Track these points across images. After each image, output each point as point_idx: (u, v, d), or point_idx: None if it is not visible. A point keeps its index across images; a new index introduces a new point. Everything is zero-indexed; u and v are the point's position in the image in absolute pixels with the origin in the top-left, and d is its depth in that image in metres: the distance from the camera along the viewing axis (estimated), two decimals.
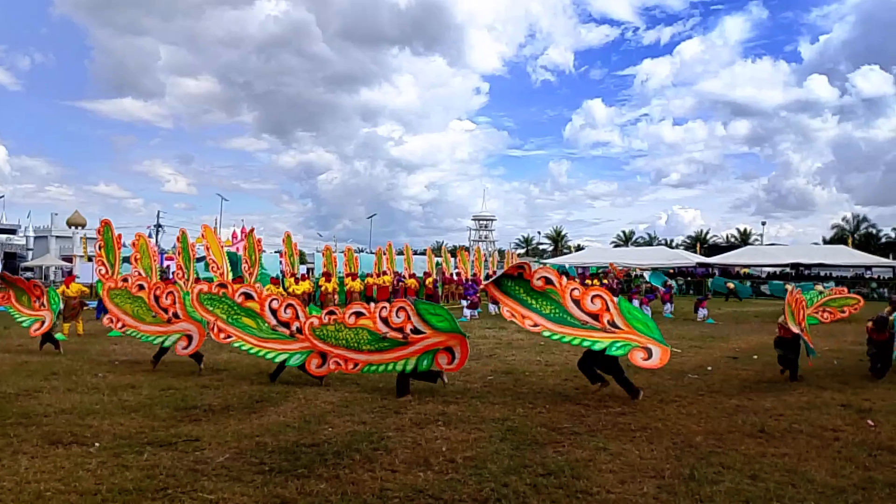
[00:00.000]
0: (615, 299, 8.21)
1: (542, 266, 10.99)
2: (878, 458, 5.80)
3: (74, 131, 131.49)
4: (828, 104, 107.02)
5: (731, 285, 35.76)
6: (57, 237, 56.72)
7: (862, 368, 10.54)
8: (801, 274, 42.82)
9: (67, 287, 15.01)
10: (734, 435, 6.62)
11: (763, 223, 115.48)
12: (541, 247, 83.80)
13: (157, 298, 10.15)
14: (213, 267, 20.79)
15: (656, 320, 20.92)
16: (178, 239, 21.79)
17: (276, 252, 35.79)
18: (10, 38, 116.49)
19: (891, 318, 9.91)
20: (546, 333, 8.14)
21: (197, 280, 17.64)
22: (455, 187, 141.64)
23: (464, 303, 21.76)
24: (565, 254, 61.45)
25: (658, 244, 69.08)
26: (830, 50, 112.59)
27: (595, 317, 8.10)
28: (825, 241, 61.22)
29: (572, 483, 5.06)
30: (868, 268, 44.09)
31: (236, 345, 9.20)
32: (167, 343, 9.97)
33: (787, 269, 44.54)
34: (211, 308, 9.25)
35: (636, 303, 26.88)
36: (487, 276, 33.28)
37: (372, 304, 8.66)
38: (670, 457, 5.81)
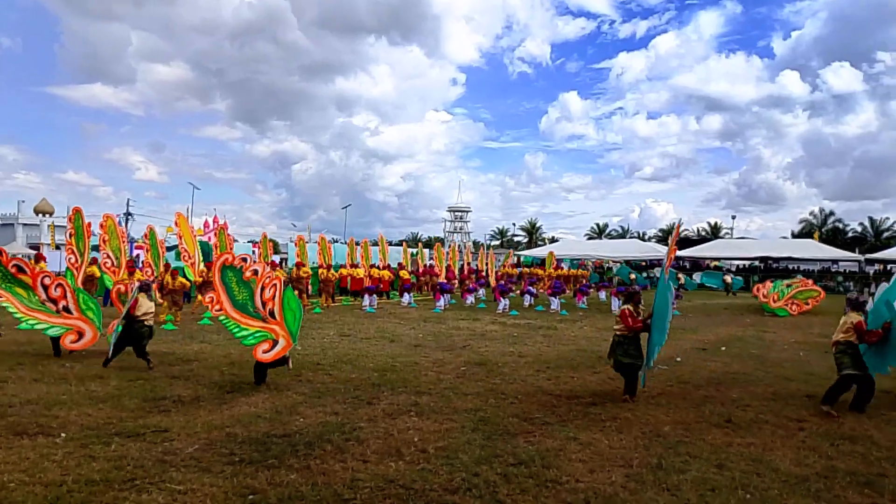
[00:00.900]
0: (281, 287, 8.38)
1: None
2: (840, 448, 5.95)
3: (43, 118, 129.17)
4: (799, 100, 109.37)
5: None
6: (24, 225, 55.60)
7: (828, 360, 10.76)
8: (770, 267, 43.66)
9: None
10: (701, 425, 6.75)
11: (733, 217, 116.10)
12: (515, 238, 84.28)
13: (45, 288, 10.17)
14: (184, 256, 20.52)
15: None
16: (145, 236, 21.44)
17: (248, 241, 35.47)
18: None
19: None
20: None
21: (166, 266, 17.35)
22: (431, 178, 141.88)
23: (441, 301, 21.70)
24: (540, 246, 61.84)
25: (631, 237, 69.91)
26: (802, 46, 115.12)
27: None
28: (793, 235, 62.49)
29: (542, 472, 5.11)
30: (835, 261, 45.14)
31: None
32: (49, 332, 10.03)
33: (756, 263, 45.39)
34: None
35: (603, 295, 27.30)
36: (462, 269, 33.34)
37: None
38: (639, 446, 5.90)
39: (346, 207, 79.03)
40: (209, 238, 24.93)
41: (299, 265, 22.29)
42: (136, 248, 29.16)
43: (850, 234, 61.60)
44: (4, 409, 6.75)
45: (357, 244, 27.66)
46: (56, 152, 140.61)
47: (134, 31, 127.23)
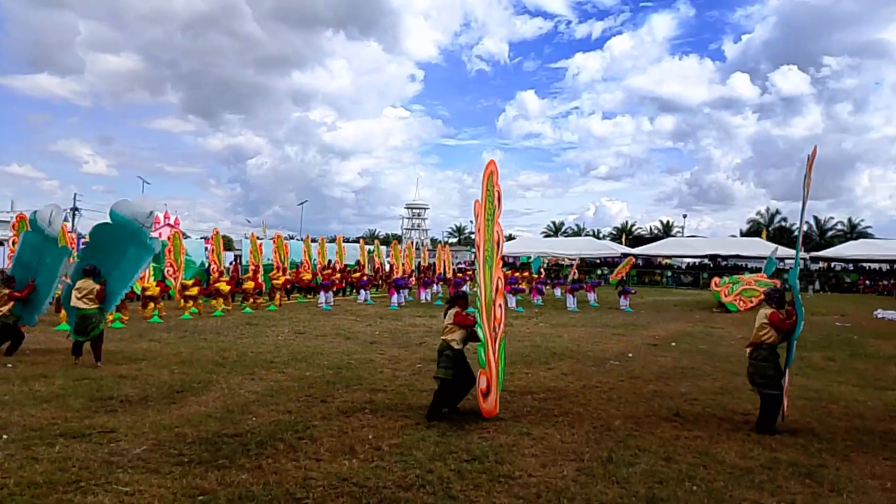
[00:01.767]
0: None
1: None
2: (782, 440, 6.15)
3: None
4: (749, 102, 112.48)
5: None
6: None
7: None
8: (719, 265, 44.86)
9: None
10: (651, 419, 6.90)
11: (684, 216, 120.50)
12: (473, 236, 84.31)
13: None
14: None
15: (582, 309, 21.51)
16: None
17: (201, 238, 34.73)
18: None
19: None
20: None
21: None
22: (388, 175, 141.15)
23: (395, 297, 21.62)
24: None
25: (586, 235, 70.83)
26: (752, 49, 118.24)
27: None
28: (742, 234, 64.29)
29: (496, 468, 5.15)
30: (781, 259, 46.61)
31: None
32: None
33: (706, 261, 46.58)
34: None
35: (558, 292, 27.66)
36: (418, 267, 33.31)
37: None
38: (590, 440, 6.01)
39: (302, 204, 78.32)
40: (160, 234, 24.34)
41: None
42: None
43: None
44: None
45: (314, 241, 27.39)
46: None
47: (82, 20, 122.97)
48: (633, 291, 24.20)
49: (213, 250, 23.42)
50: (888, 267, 41.60)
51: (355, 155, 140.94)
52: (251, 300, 18.98)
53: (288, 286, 21.85)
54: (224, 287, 18.17)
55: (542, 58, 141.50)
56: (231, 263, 26.37)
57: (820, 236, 63.59)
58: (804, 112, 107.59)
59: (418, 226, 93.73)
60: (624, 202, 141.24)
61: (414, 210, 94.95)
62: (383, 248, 34.40)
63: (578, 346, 12.49)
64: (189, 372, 8.82)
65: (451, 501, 4.45)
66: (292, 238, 36.00)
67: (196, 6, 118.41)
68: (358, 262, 29.06)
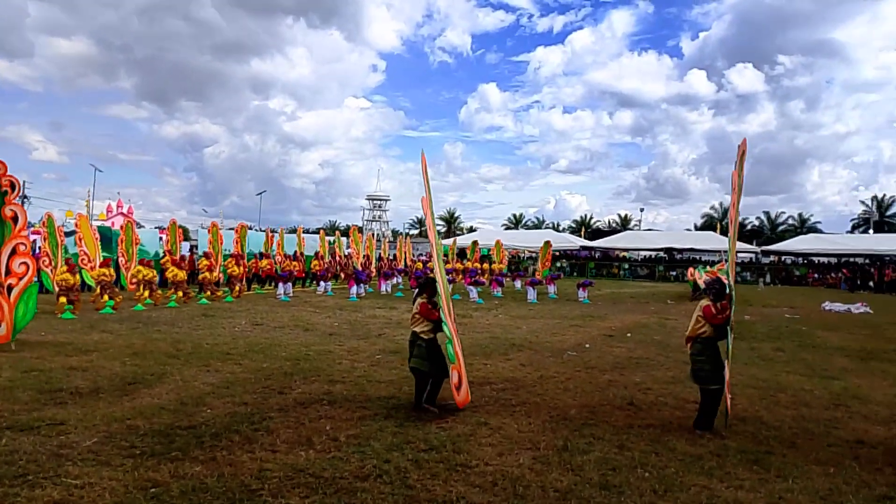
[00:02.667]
0: None
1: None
2: (732, 428, 6.32)
3: None
4: (705, 98, 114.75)
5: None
6: None
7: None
8: (674, 258, 45.83)
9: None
10: (605, 408, 7.04)
11: (642, 209, 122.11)
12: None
13: None
14: (83, 259, 19.52)
15: (541, 301, 21.71)
16: (43, 224, 20.17)
17: (156, 227, 33.97)
18: None
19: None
20: None
21: (67, 261, 16.45)
22: (349, 166, 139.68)
23: (354, 289, 21.51)
24: (458, 235, 62.37)
25: (546, 227, 71.54)
26: (709, 46, 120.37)
27: None
28: (696, 228, 65.80)
29: (453, 457, 5.19)
30: (738, 252, 47.91)
31: None
32: None
33: (662, 253, 47.53)
34: None
35: (518, 284, 27.92)
36: (379, 258, 33.19)
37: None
38: (546, 429, 6.09)
39: (260, 194, 77.23)
40: (112, 223, 23.73)
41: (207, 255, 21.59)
42: (33, 233, 27.38)
43: (748, 227, 65.42)
44: None
45: (273, 232, 27.04)
46: None
47: (31, 2, 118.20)
48: (591, 283, 24.58)
49: (168, 240, 22.95)
50: (836, 261, 43.06)
51: (316, 145, 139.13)
52: (208, 291, 18.66)
53: (244, 277, 21.52)
54: (181, 274, 17.86)
55: (505, 51, 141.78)
56: (188, 253, 25.84)
57: (771, 230, 65.54)
58: (758, 109, 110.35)
59: (379, 217, 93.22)
60: (583, 196, 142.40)
61: (375, 202, 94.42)
62: (343, 239, 34.11)
63: (537, 337, 12.63)
64: (142, 364, 8.64)
65: (407, 491, 4.47)
66: (251, 229, 35.37)
67: None
68: (317, 254, 28.80)
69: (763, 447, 5.77)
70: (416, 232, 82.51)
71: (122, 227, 22.41)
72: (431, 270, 28.70)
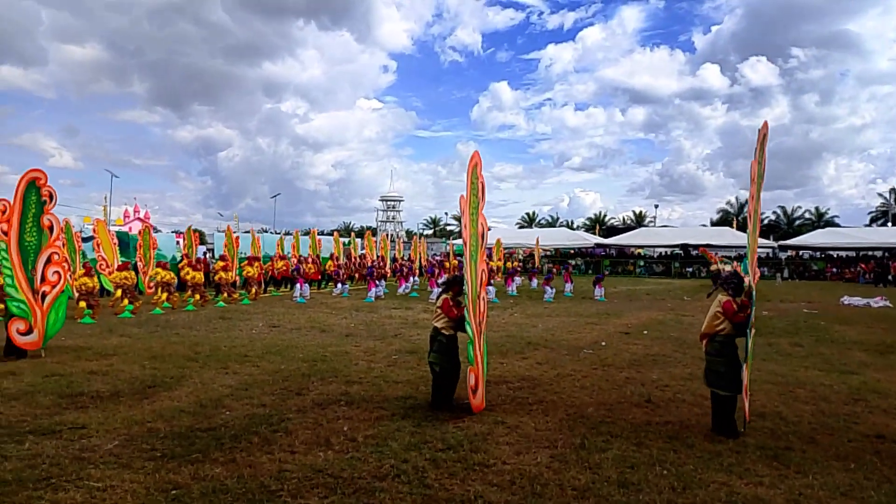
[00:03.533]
0: None
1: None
2: (751, 424, 6.27)
3: None
4: (718, 93, 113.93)
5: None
6: None
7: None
8: (690, 254, 45.50)
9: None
10: (623, 405, 7.01)
11: (656, 206, 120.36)
12: (448, 228, 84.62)
13: None
14: (101, 265, 19.76)
15: (558, 299, 21.66)
16: (61, 229, 20.43)
17: (172, 231, 34.28)
18: None
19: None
20: None
21: (85, 265, 16.64)
22: (363, 167, 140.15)
23: (372, 290, 21.57)
24: None
25: (560, 226, 71.34)
26: (722, 41, 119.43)
27: None
28: (712, 224, 65.27)
29: (470, 456, 5.19)
30: (760, 247, 47.49)
31: None
32: None
33: (678, 250, 47.20)
34: None
35: (535, 283, 27.88)
36: (394, 259, 33.26)
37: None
38: (563, 428, 6.08)
39: (275, 196, 77.47)
40: (130, 228, 24.00)
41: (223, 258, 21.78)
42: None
43: (765, 222, 64.80)
44: None
45: (288, 234, 27.20)
46: None
47: (44, 9, 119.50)
48: (603, 276, 24.62)
49: (185, 244, 23.18)
50: (854, 254, 42.54)
51: (328, 147, 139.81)
52: (225, 293, 18.80)
53: (262, 278, 21.66)
54: (199, 276, 18.00)
55: (515, 49, 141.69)
56: (203, 255, 26.08)
57: (788, 225, 64.88)
58: (772, 103, 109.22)
59: (393, 218, 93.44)
60: (597, 193, 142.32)
61: (389, 202, 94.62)
62: (358, 240, 34.28)
63: (553, 335, 12.60)
64: (161, 367, 8.73)
65: (425, 490, 4.48)
66: (266, 231, 35.61)
67: None
68: (332, 255, 28.93)
69: (782, 443, 5.72)
70: (430, 232, 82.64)
71: (139, 231, 22.64)
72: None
